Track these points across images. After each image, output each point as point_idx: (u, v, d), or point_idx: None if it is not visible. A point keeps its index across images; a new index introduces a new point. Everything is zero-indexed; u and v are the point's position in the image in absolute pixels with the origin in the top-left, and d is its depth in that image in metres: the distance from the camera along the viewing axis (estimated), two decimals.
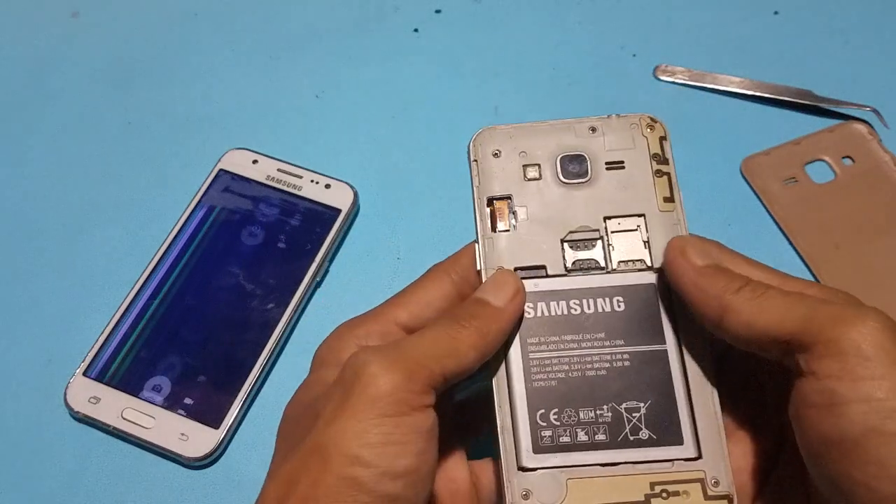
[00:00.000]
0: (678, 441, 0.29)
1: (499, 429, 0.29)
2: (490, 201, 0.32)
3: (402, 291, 0.32)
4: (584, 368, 0.30)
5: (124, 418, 0.41)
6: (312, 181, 0.47)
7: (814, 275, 0.44)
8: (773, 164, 0.48)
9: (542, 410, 0.29)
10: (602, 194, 0.32)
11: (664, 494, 0.29)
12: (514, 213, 0.32)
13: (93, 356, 0.42)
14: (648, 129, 0.32)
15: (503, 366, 0.30)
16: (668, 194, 0.32)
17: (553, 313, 0.31)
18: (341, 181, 0.47)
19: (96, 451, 0.41)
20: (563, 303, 0.31)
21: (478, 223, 0.32)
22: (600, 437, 0.29)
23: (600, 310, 0.31)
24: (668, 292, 0.31)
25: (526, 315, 0.30)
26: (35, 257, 0.47)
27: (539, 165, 0.32)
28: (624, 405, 0.30)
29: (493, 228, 0.31)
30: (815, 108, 0.50)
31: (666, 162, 0.32)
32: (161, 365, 0.42)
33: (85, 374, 0.42)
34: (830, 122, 0.49)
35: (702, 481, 0.29)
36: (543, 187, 0.32)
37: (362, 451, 0.25)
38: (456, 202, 0.47)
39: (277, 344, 0.43)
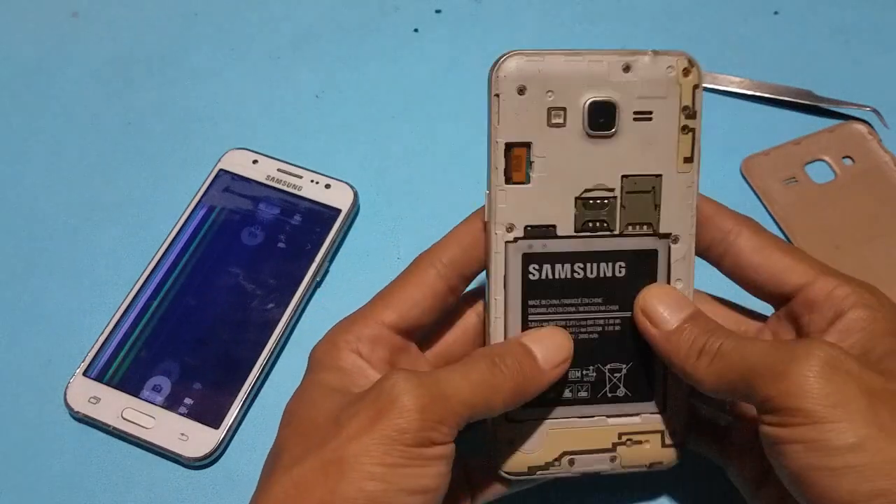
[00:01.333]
0: (648, 398, 0.32)
1: None
2: (508, 147, 0.29)
3: (388, 287, 0.32)
4: (578, 331, 0.31)
5: (124, 418, 0.41)
6: (312, 181, 0.47)
7: None
8: (773, 164, 0.48)
9: None
10: (624, 150, 0.30)
11: (628, 443, 0.32)
12: (531, 164, 0.30)
13: (93, 356, 0.42)
14: (684, 75, 0.30)
15: (502, 326, 0.31)
16: (688, 154, 0.30)
17: (557, 276, 0.31)
18: (341, 181, 0.47)
19: (96, 451, 0.41)
20: (567, 265, 0.31)
21: (491, 171, 0.30)
22: (583, 394, 0.32)
23: (602, 275, 0.31)
24: (668, 259, 0.31)
25: (530, 277, 0.31)
26: (35, 257, 0.47)
27: (565, 110, 0.29)
28: (608, 366, 0.32)
29: (508, 180, 0.30)
30: (815, 108, 0.50)
31: (694, 115, 0.30)
32: (161, 365, 0.42)
33: (85, 374, 0.42)
34: (830, 122, 0.49)
35: (661, 433, 0.33)
36: (567, 137, 0.30)
37: (382, 471, 0.26)
38: (456, 202, 0.47)
39: (277, 344, 0.43)
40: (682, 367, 0.29)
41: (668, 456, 0.33)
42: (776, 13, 0.55)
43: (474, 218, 0.32)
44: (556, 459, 0.32)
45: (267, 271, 0.44)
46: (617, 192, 0.30)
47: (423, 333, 0.33)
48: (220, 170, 0.48)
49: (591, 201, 0.30)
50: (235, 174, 0.48)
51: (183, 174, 0.49)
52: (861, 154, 0.48)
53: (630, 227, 0.31)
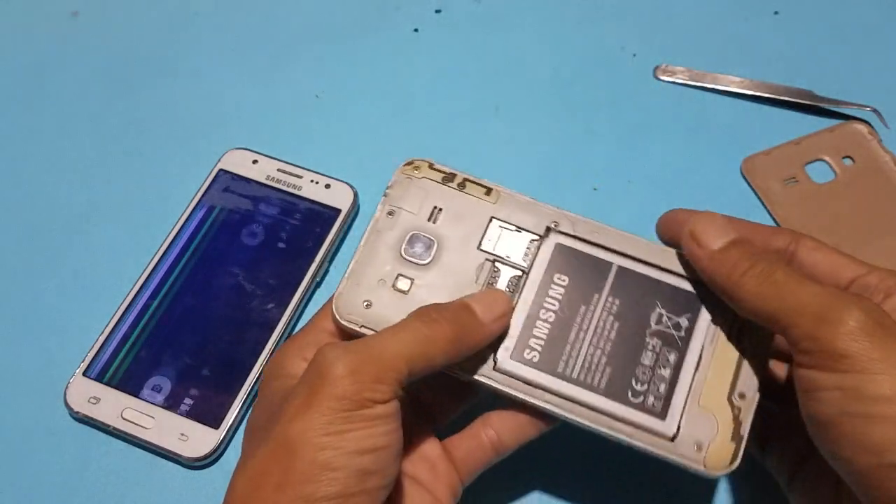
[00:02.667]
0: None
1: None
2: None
3: (324, 304, 0.34)
4: (601, 343, 0.32)
5: (124, 418, 0.41)
6: (312, 181, 0.47)
7: None
8: (773, 164, 0.48)
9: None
10: (448, 239, 0.34)
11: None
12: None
13: (93, 356, 0.42)
14: (416, 170, 0.35)
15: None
16: (485, 191, 0.35)
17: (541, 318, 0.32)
18: (341, 181, 0.47)
19: (96, 451, 0.41)
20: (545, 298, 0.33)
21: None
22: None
23: (560, 285, 0.33)
24: (573, 232, 0.34)
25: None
26: (35, 257, 0.47)
27: (399, 277, 0.33)
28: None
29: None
30: (815, 108, 0.50)
31: (453, 176, 0.35)
32: (161, 365, 0.42)
33: (85, 374, 0.42)
34: (830, 122, 0.50)
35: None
36: (411, 276, 0.33)
37: (328, 439, 0.27)
38: None
39: (277, 344, 0.42)
40: (726, 284, 0.30)
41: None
42: (776, 13, 0.55)
43: None
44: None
45: (267, 271, 0.44)
46: (488, 257, 0.34)
47: None
48: (220, 170, 0.48)
49: (492, 272, 0.33)
50: (235, 174, 0.48)
51: (183, 174, 0.49)
52: (861, 154, 0.48)
53: (525, 259, 0.33)
